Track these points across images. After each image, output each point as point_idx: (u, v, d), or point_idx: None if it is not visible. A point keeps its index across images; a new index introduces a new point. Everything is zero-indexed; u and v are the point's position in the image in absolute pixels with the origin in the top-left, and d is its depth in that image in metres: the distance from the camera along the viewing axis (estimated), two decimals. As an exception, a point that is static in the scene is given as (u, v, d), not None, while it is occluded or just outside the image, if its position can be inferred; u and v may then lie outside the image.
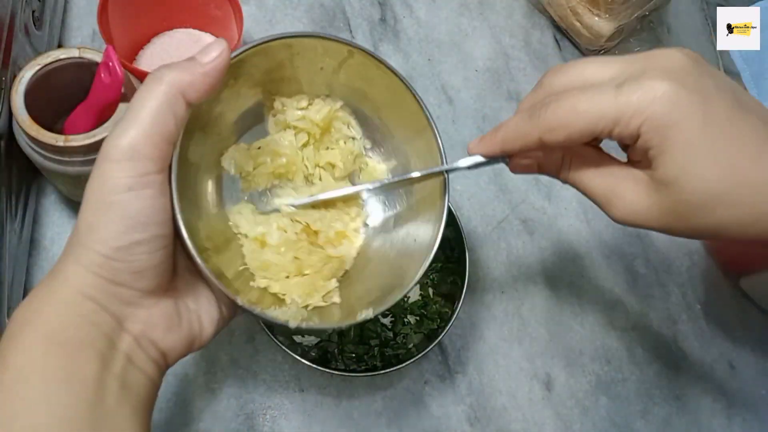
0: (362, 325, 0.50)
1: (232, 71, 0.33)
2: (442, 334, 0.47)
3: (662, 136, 0.27)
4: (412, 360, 0.46)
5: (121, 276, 0.27)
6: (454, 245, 0.50)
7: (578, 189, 0.32)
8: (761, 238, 0.27)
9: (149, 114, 0.27)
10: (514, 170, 0.35)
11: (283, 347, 0.44)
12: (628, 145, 0.29)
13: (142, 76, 0.46)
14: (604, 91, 0.28)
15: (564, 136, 0.29)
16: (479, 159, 0.36)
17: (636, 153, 0.29)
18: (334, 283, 0.37)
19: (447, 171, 0.37)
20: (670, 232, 0.29)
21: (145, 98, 0.27)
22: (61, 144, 0.40)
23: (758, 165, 0.26)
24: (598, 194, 0.31)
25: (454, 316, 0.47)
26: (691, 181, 0.27)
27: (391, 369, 0.46)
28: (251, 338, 0.51)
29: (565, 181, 0.33)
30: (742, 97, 0.28)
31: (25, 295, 0.48)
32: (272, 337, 0.45)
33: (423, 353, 0.46)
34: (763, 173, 0.26)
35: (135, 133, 0.27)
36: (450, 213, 0.42)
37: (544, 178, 0.62)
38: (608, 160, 0.31)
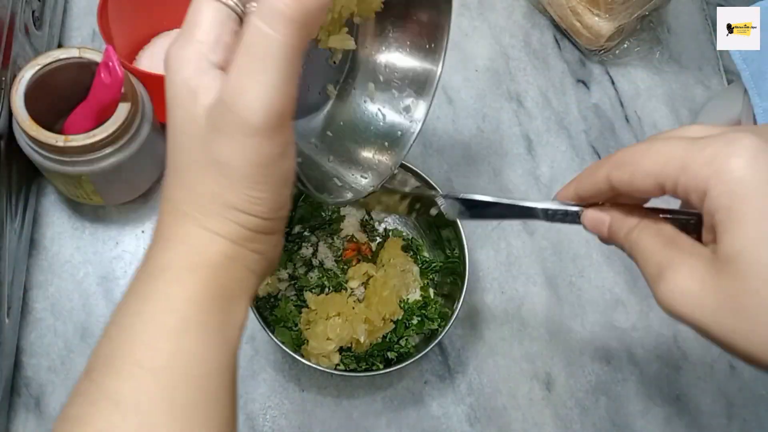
0: None
1: None
2: (442, 333, 0.46)
3: (733, 198, 0.21)
4: (411, 360, 0.46)
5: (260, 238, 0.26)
6: (454, 245, 0.50)
7: (634, 256, 0.27)
8: None
9: (281, 67, 0.23)
10: (584, 223, 0.30)
11: (283, 347, 0.44)
12: (698, 215, 0.24)
13: (142, 76, 0.46)
14: (684, 138, 0.24)
15: (629, 174, 0.25)
16: (554, 205, 0.31)
17: (706, 227, 0.24)
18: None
19: (525, 211, 0.33)
20: (724, 337, 0.22)
21: (267, 51, 0.23)
22: (61, 144, 0.40)
23: None
24: (652, 264, 0.25)
25: (454, 315, 0.47)
26: (762, 264, 0.21)
27: (391, 369, 0.46)
28: (252, 338, 0.51)
29: (623, 247, 0.28)
30: None
31: (25, 294, 0.48)
32: (272, 336, 0.45)
33: (423, 353, 0.46)
34: None
35: (276, 96, 0.23)
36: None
37: (544, 178, 0.62)
38: (678, 233, 0.26)
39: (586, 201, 0.29)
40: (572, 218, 0.31)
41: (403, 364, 0.46)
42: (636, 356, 0.57)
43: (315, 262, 0.52)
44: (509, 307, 0.56)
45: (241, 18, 0.26)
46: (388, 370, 0.46)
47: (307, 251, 0.52)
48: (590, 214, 0.29)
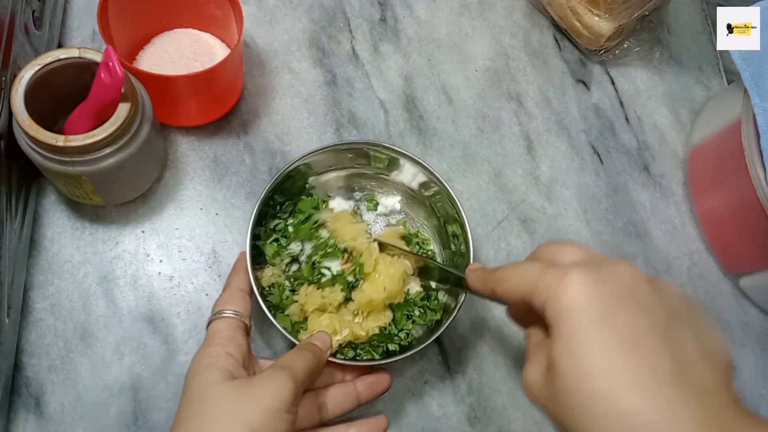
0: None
1: None
2: (447, 322, 0.46)
3: (556, 318, 0.28)
4: (414, 350, 0.46)
5: None
6: (461, 241, 0.51)
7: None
8: None
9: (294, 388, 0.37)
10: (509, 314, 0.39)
11: (286, 333, 0.45)
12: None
13: (142, 76, 0.46)
14: (540, 265, 0.30)
15: (504, 291, 0.33)
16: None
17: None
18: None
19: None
20: (555, 419, 0.29)
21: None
22: (61, 144, 0.40)
23: (632, 396, 0.25)
24: (526, 353, 0.32)
25: (458, 306, 0.47)
26: (567, 371, 0.27)
27: (391, 360, 0.46)
28: (252, 338, 0.50)
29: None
30: (673, 330, 0.27)
31: (25, 294, 0.48)
32: (273, 321, 0.44)
33: (426, 344, 0.46)
34: (631, 406, 0.25)
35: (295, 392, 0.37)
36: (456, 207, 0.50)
37: (544, 178, 0.62)
38: (541, 334, 0.33)
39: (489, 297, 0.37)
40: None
41: (403, 355, 0.46)
42: (636, 356, 0.57)
43: (303, 258, 0.52)
44: (509, 307, 0.56)
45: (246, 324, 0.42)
46: (388, 360, 0.46)
47: (295, 247, 0.52)
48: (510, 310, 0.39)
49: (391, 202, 0.56)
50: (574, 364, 0.27)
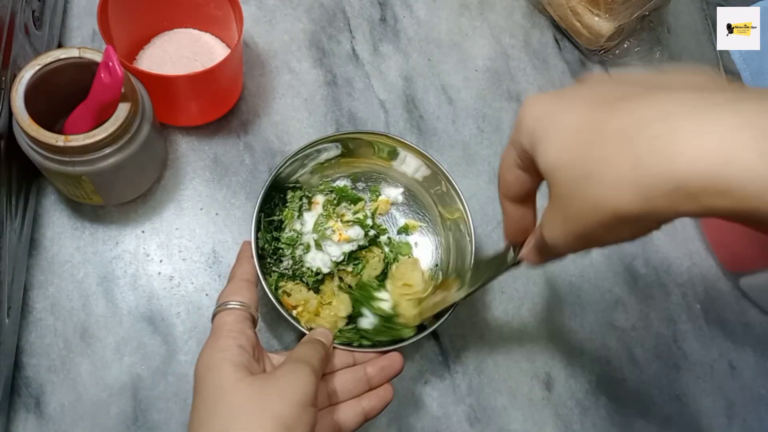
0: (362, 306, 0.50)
1: None
2: (447, 314, 0.46)
3: (531, 138, 0.28)
4: (412, 340, 0.46)
5: None
6: (462, 231, 0.51)
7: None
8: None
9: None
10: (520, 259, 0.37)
11: (289, 316, 0.45)
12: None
13: (142, 76, 0.46)
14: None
15: (502, 171, 0.33)
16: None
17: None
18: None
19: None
20: (575, 240, 0.28)
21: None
22: (61, 144, 0.40)
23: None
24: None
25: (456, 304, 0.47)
26: (561, 178, 0.26)
27: (388, 348, 0.45)
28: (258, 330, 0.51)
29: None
30: (624, 90, 0.26)
31: (25, 294, 0.48)
32: (280, 310, 0.45)
33: (424, 333, 0.46)
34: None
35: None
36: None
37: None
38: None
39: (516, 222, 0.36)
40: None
41: (403, 344, 0.46)
42: (636, 356, 0.57)
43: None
44: (509, 307, 0.56)
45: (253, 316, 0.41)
46: (386, 348, 0.46)
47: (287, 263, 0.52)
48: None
49: (394, 193, 0.56)
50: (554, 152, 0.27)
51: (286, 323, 0.51)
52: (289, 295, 0.49)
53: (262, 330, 0.51)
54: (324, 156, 0.52)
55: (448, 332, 0.54)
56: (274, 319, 0.51)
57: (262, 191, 0.47)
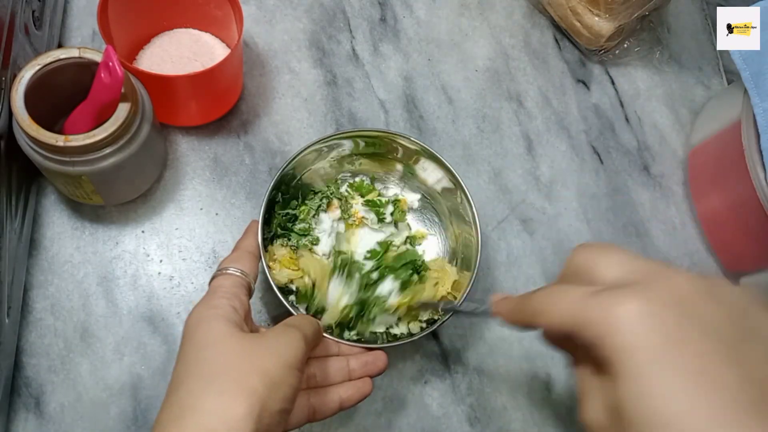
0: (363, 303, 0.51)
1: None
2: (457, 302, 0.46)
3: (616, 356, 0.24)
4: (412, 338, 0.46)
5: None
6: (469, 245, 0.51)
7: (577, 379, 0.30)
8: None
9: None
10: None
11: (286, 302, 0.45)
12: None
13: (142, 76, 0.46)
14: (582, 292, 0.27)
15: (543, 324, 0.29)
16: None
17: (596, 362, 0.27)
18: None
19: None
20: None
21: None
22: (61, 144, 0.40)
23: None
24: (579, 386, 0.28)
25: (464, 295, 0.47)
26: (640, 411, 0.24)
27: (386, 345, 0.46)
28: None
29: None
30: (744, 347, 0.24)
31: (25, 294, 0.48)
32: (277, 293, 0.45)
33: (424, 333, 0.46)
34: None
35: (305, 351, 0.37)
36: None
37: (544, 178, 0.62)
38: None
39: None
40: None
41: (399, 342, 0.46)
42: (636, 356, 0.57)
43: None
44: (509, 307, 0.56)
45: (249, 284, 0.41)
46: (386, 345, 0.46)
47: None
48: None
49: (411, 197, 0.56)
50: (646, 410, 0.23)
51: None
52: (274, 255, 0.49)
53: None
54: (342, 151, 0.52)
55: (448, 332, 0.54)
56: (269, 305, 0.51)
57: (278, 174, 0.47)
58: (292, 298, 0.49)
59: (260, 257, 0.44)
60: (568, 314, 0.27)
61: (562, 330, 0.27)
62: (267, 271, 0.45)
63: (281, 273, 0.48)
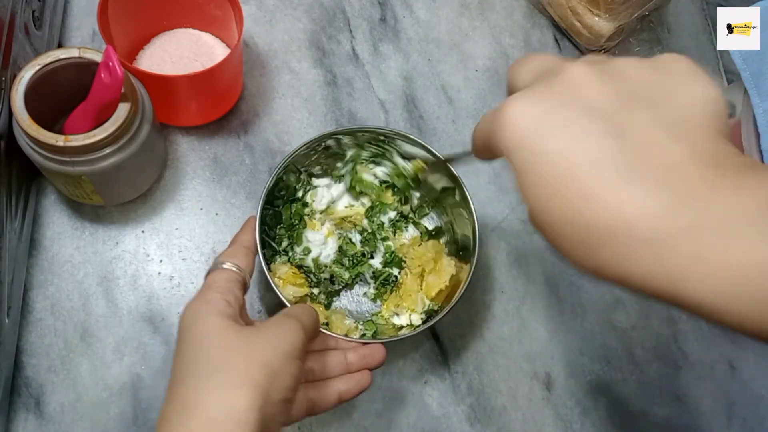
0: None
1: None
2: (445, 310, 0.46)
3: (508, 156, 0.26)
4: (409, 334, 0.46)
5: None
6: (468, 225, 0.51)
7: None
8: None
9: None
10: None
11: (281, 294, 0.45)
12: None
13: (142, 76, 0.46)
14: (493, 111, 0.27)
15: (475, 144, 0.30)
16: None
17: None
18: None
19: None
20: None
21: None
22: (61, 144, 0.40)
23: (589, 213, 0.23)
24: None
25: (459, 295, 0.47)
26: (530, 203, 0.25)
27: (384, 340, 0.45)
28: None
29: None
30: (626, 115, 0.24)
31: (25, 294, 0.48)
32: (273, 286, 0.45)
33: (422, 328, 0.46)
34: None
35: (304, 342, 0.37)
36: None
37: (544, 178, 0.62)
38: None
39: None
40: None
41: (399, 337, 0.46)
42: (636, 356, 0.57)
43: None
44: (509, 307, 0.56)
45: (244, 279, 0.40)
46: (384, 340, 0.46)
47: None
48: None
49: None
50: (532, 203, 0.25)
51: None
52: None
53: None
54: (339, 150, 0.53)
55: (448, 332, 0.54)
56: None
57: (276, 172, 0.47)
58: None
59: (256, 252, 0.44)
60: (483, 129, 0.28)
61: (485, 147, 0.28)
62: (276, 290, 0.45)
63: (287, 290, 0.49)
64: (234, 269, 0.40)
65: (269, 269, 0.47)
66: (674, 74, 0.25)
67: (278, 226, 0.52)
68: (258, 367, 0.32)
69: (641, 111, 0.24)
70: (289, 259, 0.52)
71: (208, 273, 0.40)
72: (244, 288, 0.40)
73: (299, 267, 0.52)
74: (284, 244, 0.52)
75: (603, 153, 0.23)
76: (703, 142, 0.23)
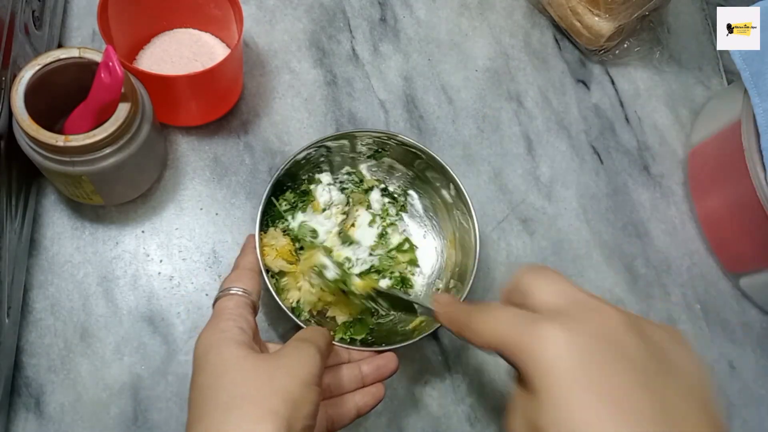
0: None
1: None
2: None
3: (536, 376, 0.27)
4: (411, 341, 0.46)
5: None
6: (468, 227, 0.51)
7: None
8: None
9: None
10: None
11: (288, 310, 0.45)
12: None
13: (142, 76, 0.46)
14: (513, 314, 0.29)
15: (476, 341, 0.32)
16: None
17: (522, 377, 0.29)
18: None
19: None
20: None
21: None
22: (61, 144, 0.40)
23: None
24: (509, 401, 0.30)
25: (464, 294, 0.47)
26: (552, 428, 0.26)
27: (393, 347, 0.46)
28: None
29: None
30: (656, 377, 0.26)
31: (25, 294, 0.48)
32: (278, 301, 0.45)
33: (424, 335, 0.46)
34: None
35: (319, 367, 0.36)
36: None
37: (544, 178, 0.62)
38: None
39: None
40: None
41: (406, 343, 0.46)
42: (636, 356, 0.57)
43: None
44: (509, 307, 0.56)
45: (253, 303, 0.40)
46: (386, 348, 0.46)
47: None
48: None
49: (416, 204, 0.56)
50: (561, 430, 0.26)
51: (285, 317, 0.51)
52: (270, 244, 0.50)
53: (260, 326, 0.51)
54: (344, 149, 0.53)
55: (448, 332, 0.54)
56: (273, 314, 0.51)
57: (276, 176, 0.47)
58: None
59: (261, 273, 0.43)
60: (497, 333, 0.29)
61: (492, 348, 0.30)
62: (258, 255, 0.44)
63: (275, 261, 0.48)
64: (241, 293, 0.39)
65: (264, 231, 0.47)
66: (680, 346, 0.29)
67: (288, 191, 0.53)
68: (279, 399, 0.32)
69: (667, 374, 0.27)
70: (286, 230, 0.52)
71: (216, 300, 0.40)
72: (255, 311, 0.40)
73: (295, 240, 0.52)
74: (288, 204, 0.52)
75: (642, 413, 0.25)
76: (706, 416, 0.26)
